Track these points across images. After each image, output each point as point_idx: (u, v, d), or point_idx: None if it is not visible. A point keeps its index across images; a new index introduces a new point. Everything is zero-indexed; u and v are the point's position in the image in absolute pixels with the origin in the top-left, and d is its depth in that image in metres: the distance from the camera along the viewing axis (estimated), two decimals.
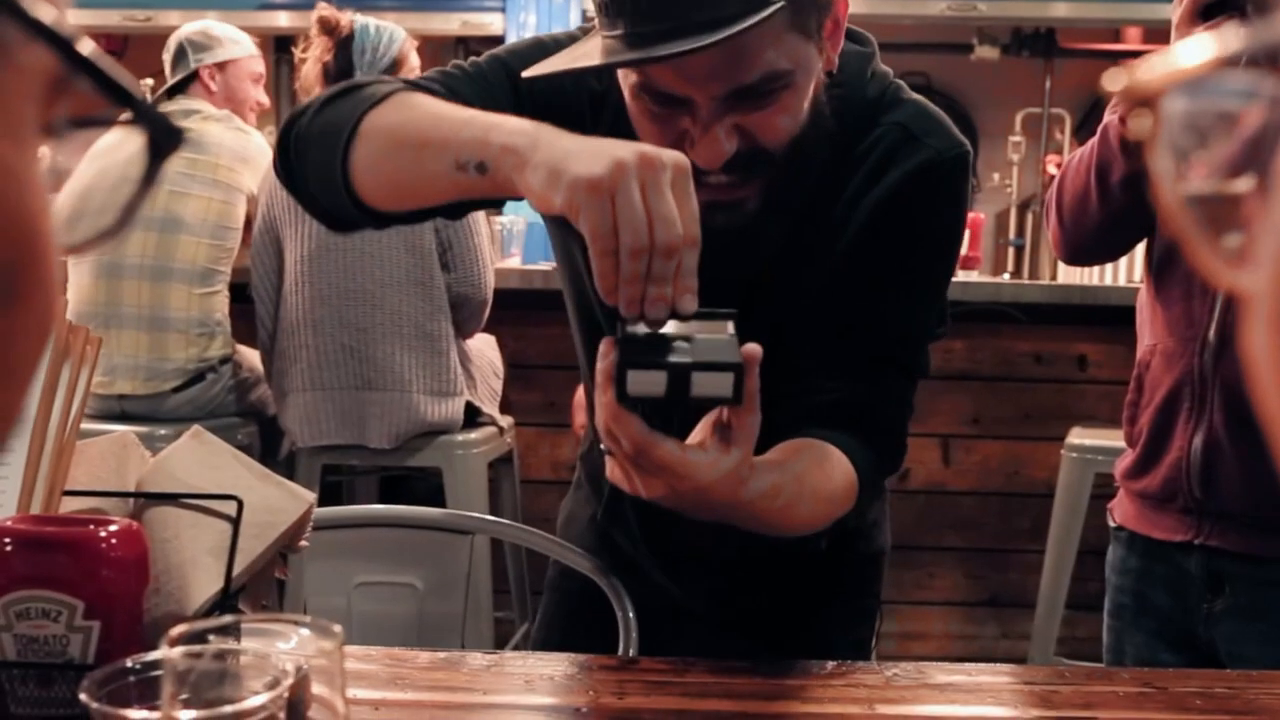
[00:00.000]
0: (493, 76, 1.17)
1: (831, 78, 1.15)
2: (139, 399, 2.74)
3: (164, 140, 0.39)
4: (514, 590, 3.02)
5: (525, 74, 1.10)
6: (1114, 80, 0.37)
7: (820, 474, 1.12)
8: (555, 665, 1.14)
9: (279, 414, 2.80)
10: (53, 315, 0.36)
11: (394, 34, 2.68)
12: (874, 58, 1.23)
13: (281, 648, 0.81)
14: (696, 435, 0.98)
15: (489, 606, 2.66)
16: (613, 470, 0.98)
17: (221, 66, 2.90)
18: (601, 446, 0.98)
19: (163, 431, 2.66)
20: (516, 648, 2.91)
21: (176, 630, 0.63)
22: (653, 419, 0.93)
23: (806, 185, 1.14)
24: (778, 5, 0.99)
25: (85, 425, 0.95)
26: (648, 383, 0.89)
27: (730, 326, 0.95)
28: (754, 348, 0.92)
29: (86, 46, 0.36)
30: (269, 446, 2.93)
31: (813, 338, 1.20)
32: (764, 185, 1.09)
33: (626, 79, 1.09)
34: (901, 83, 1.23)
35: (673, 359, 0.90)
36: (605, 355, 0.93)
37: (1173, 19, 1.36)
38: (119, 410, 2.73)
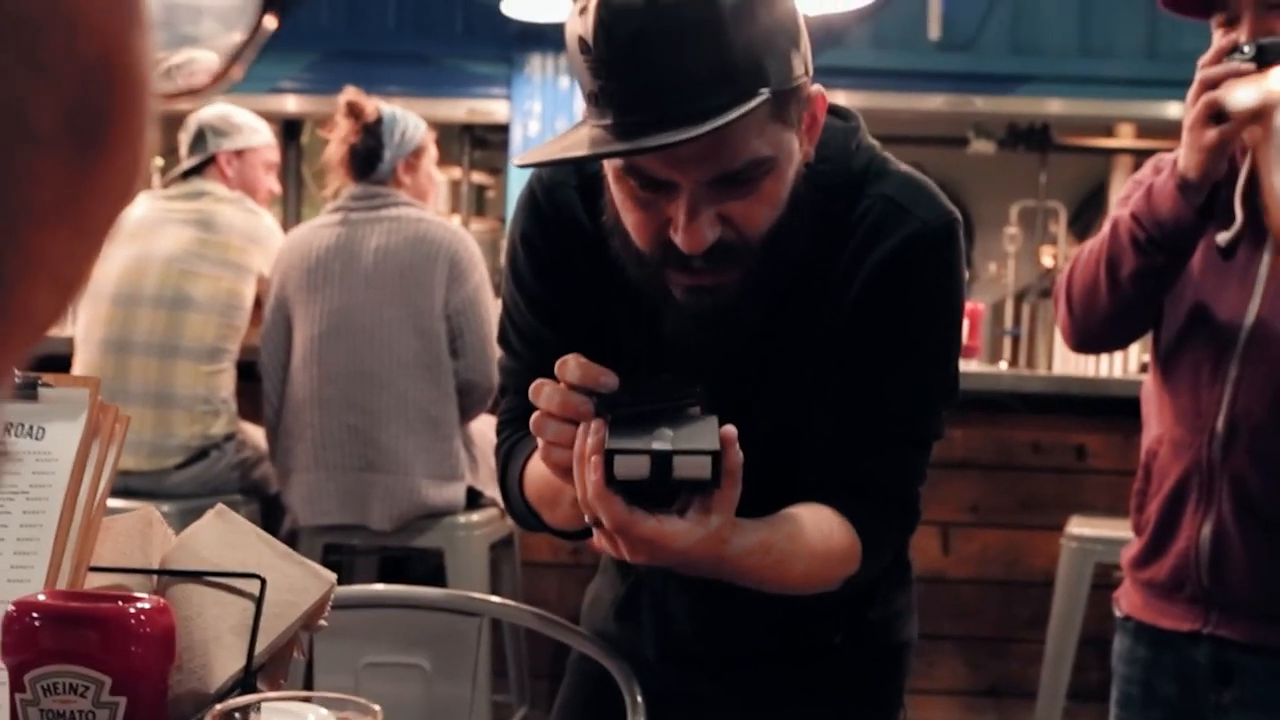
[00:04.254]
0: (532, 309, 1.28)
1: (817, 152, 1.17)
2: (142, 475, 2.74)
3: None
4: (513, 673, 2.99)
5: (518, 161, 1.15)
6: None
7: (817, 533, 1.15)
8: None
9: (282, 491, 2.80)
10: (138, 175, 0.31)
11: (418, 123, 2.79)
12: (859, 131, 1.24)
13: None
14: (679, 502, 1.04)
15: (488, 689, 2.63)
16: (598, 539, 1.05)
17: (239, 153, 2.94)
18: (586, 519, 1.05)
19: (165, 508, 2.65)
20: None
21: (217, 709, 0.64)
22: (638, 496, 1.01)
23: (784, 270, 1.17)
24: (761, 99, 1.03)
25: None
26: (633, 466, 0.98)
27: (699, 408, 1.05)
28: (730, 429, 1.00)
29: None
30: (270, 525, 2.92)
31: (816, 415, 1.21)
32: (743, 273, 1.12)
33: (612, 164, 1.12)
34: (888, 155, 1.23)
35: (656, 445, 0.98)
36: (595, 432, 1.01)
37: (1185, 121, 1.39)
38: (122, 486, 2.72)
